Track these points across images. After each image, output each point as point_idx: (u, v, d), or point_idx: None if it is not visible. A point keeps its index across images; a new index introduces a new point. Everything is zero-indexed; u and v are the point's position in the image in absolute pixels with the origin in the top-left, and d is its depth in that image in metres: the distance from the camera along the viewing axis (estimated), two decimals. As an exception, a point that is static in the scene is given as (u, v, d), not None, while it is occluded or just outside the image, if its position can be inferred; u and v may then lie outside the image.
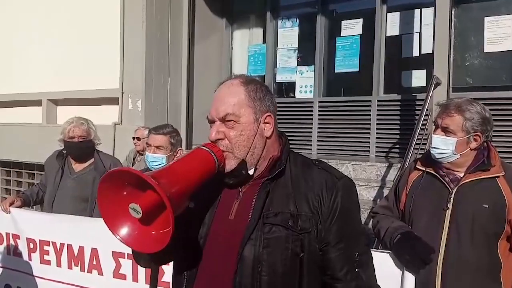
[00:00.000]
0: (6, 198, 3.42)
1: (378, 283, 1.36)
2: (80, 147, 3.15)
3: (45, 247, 2.81)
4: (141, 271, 2.49)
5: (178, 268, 1.37)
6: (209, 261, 1.29)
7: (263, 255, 1.24)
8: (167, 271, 2.23)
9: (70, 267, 2.73)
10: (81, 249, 2.69)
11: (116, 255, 2.58)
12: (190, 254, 1.31)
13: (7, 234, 2.97)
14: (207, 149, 1.26)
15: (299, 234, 1.25)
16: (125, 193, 1.12)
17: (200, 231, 1.32)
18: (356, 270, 1.29)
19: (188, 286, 1.31)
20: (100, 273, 2.64)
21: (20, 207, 3.04)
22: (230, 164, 1.29)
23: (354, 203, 1.35)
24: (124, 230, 1.14)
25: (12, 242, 2.96)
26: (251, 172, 1.32)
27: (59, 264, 2.76)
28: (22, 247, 2.91)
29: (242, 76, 1.37)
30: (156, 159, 2.59)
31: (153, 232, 1.13)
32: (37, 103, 6.65)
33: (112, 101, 5.92)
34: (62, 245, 2.76)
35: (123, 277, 2.57)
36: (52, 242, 2.79)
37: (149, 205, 1.09)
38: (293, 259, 1.25)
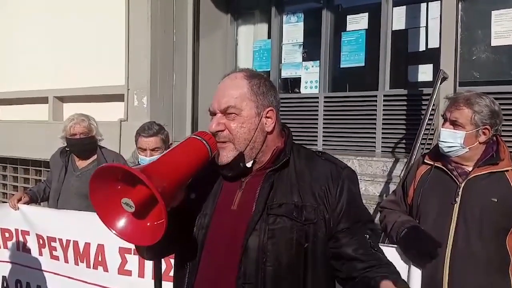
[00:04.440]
0: (14, 194, 3.44)
1: None
2: (82, 144, 3.15)
3: (53, 243, 2.83)
4: (148, 266, 2.49)
5: (180, 259, 1.38)
6: (212, 252, 1.29)
7: (268, 245, 1.24)
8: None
9: (76, 263, 2.74)
10: (87, 245, 2.69)
11: (123, 251, 2.58)
12: (192, 245, 1.31)
13: (16, 230, 2.99)
14: (198, 137, 1.26)
15: (303, 224, 1.26)
16: (119, 187, 1.11)
17: (201, 221, 1.32)
18: (374, 249, 1.30)
19: (190, 277, 1.31)
20: (106, 269, 2.64)
21: (27, 203, 3.05)
22: (228, 156, 1.29)
23: (358, 190, 1.39)
24: (119, 225, 1.14)
25: (21, 238, 2.97)
26: (249, 164, 1.32)
27: (66, 260, 2.77)
28: (32, 242, 2.92)
29: (247, 70, 1.37)
30: None
31: (148, 224, 1.12)
32: (43, 100, 6.67)
33: (118, 97, 5.93)
34: (68, 241, 2.77)
35: (129, 273, 2.56)
36: (58, 238, 2.80)
37: (141, 199, 1.09)
38: (298, 249, 1.26)
